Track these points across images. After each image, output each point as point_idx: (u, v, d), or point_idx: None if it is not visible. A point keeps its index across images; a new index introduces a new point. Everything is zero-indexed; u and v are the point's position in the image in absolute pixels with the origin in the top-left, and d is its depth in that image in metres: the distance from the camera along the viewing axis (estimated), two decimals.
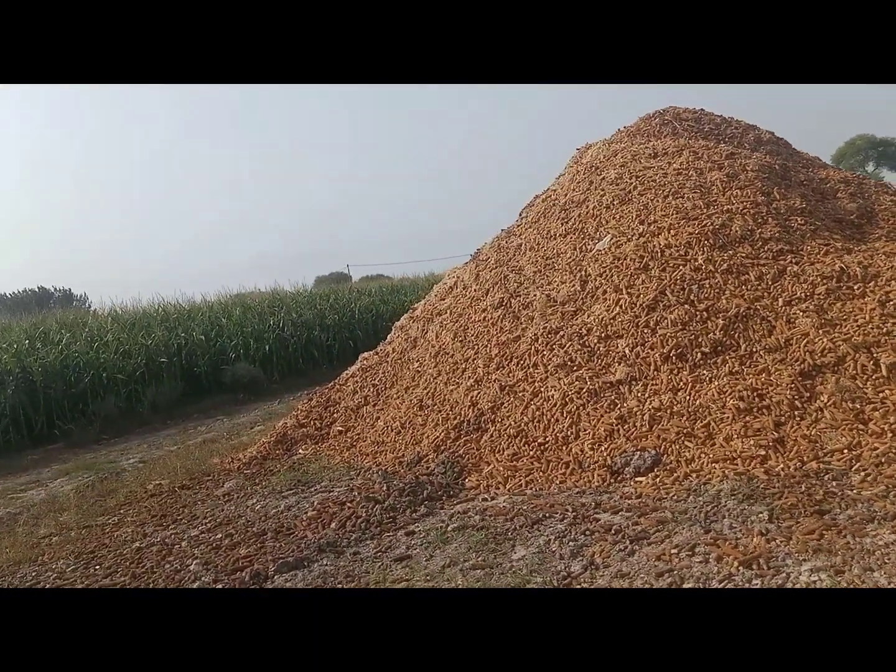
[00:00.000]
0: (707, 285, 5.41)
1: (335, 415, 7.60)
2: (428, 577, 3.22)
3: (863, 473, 3.65)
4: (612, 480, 4.39)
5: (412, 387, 6.92)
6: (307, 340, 16.97)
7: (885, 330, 4.67)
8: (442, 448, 5.48)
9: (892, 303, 4.90)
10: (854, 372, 4.47)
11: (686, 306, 5.30)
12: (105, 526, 5.43)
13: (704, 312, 5.21)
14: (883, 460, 3.75)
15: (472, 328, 6.83)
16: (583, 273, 6.14)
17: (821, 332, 4.79)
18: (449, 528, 3.92)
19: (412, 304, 21.09)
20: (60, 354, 11.43)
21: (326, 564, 3.69)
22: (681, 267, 5.62)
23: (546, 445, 4.93)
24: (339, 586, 3.36)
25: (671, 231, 5.96)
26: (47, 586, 4.06)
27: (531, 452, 4.95)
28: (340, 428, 7.29)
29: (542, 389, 5.35)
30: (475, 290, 7.43)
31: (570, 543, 3.37)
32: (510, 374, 5.73)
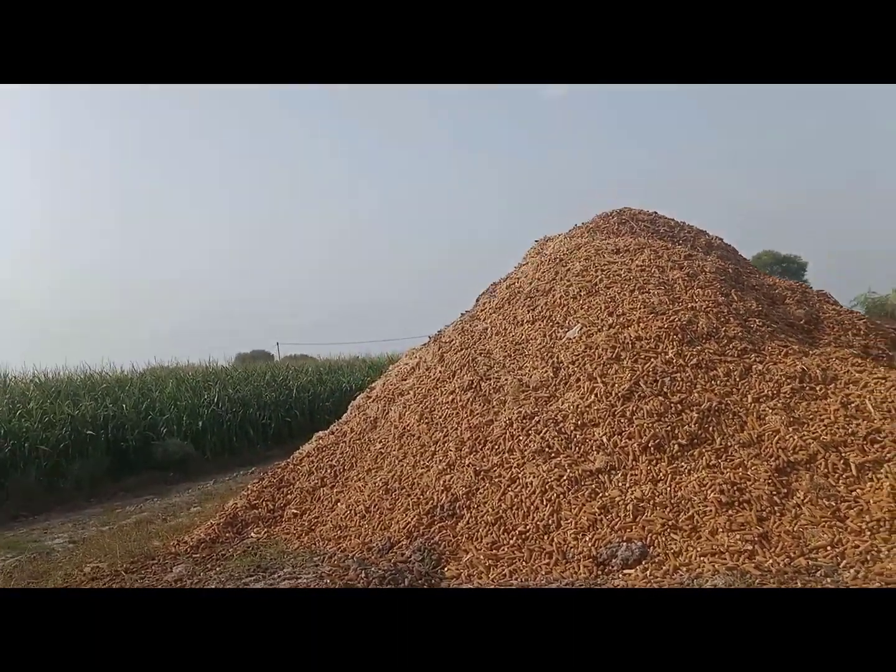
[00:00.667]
0: (679, 378, 5.58)
1: (289, 496, 7.28)
2: None
3: (852, 570, 3.72)
4: (599, 572, 4.32)
5: (375, 469, 6.73)
6: (242, 418, 16.41)
7: (850, 430, 4.89)
8: (414, 534, 5.30)
9: (853, 405, 5.16)
10: (826, 470, 4.63)
11: (660, 398, 5.42)
12: None
13: (678, 405, 5.34)
14: (868, 558, 3.84)
15: (438, 410, 6.76)
16: (555, 360, 6.23)
17: (790, 429, 4.97)
18: None
19: (349, 385, 20.97)
20: None
21: None
22: (652, 359, 5.79)
23: (527, 534, 4.84)
24: None
25: (640, 324, 6.16)
26: None
27: (511, 541, 4.84)
28: (295, 511, 6.96)
29: (519, 475, 5.29)
30: (440, 372, 7.41)
31: None
32: (485, 459, 5.66)
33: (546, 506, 4.95)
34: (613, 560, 4.34)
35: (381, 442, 7.11)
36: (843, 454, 4.71)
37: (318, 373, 21.33)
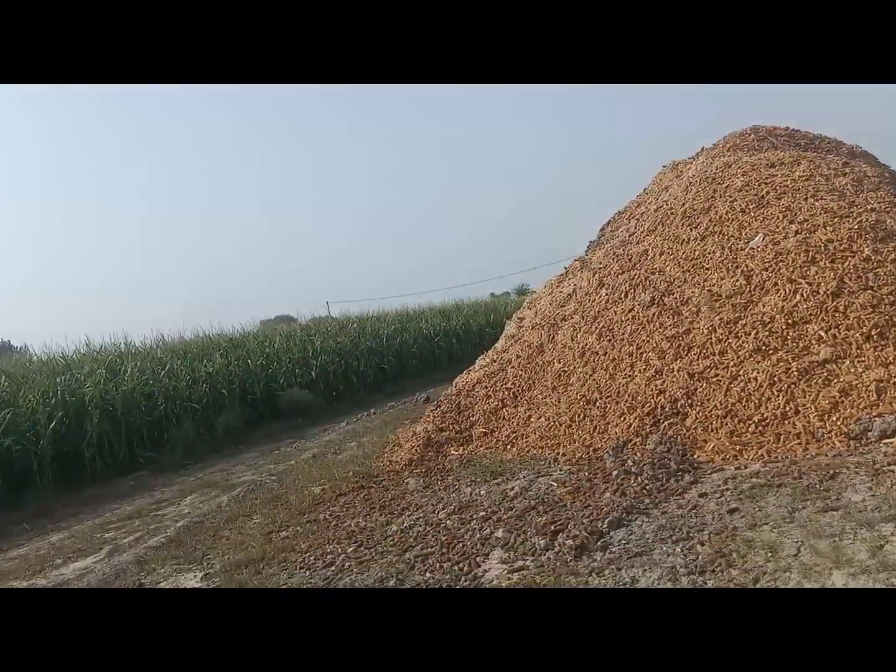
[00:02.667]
0: (882, 273, 5.78)
1: (471, 418, 7.71)
2: (802, 526, 3.37)
3: None
4: (856, 446, 4.64)
5: (561, 385, 7.10)
6: (346, 367, 17.01)
7: None
8: (641, 433, 5.67)
9: None
10: None
11: (869, 292, 5.65)
12: (322, 521, 5.44)
13: (889, 296, 5.56)
14: None
15: (619, 328, 7.07)
16: (744, 268, 6.47)
17: None
18: (743, 487, 4.11)
19: (428, 330, 21.37)
20: (136, 383, 11.27)
21: (647, 521, 3.85)
22: (849, 258, 6.00)
23: (765, 422, 5.17)
24: (672, 538, 3.53)
25: (827, 228, 6.36)
26: (349, 574, 4.12)
27: (751, 429, 5.18)
28: (483, 430, 7.40)
29: (740, 373, 5.60)
30: (606, 295, 7.71)
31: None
32: (694, 363, 5.97)
33: (779, 395, 5.26)
34: (868, 433, 4.65)
35: (559, 362, 7.47)
36: None
37: (400, 320, 21.83)
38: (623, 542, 3.63)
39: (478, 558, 3.81)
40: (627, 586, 3.05)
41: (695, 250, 7.20)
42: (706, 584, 2.92)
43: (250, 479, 8.55)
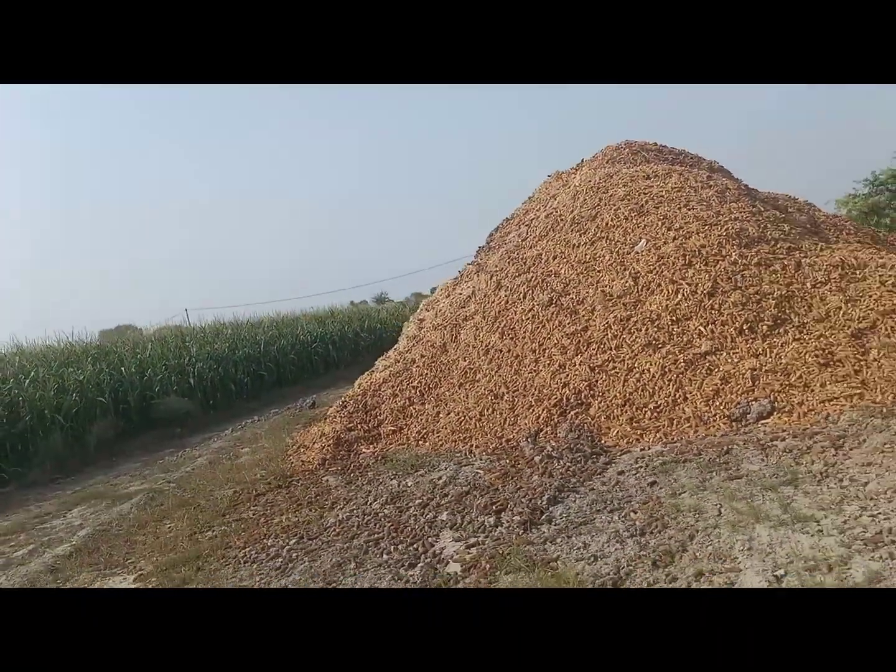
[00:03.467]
0: (748, 275, 6.63)
1: (379, 417, 7.92)
2: (715, 492, 3.91)
3: None
4: (737, 427, 5.33)
5: (468, 382, 7.48)
6: (224, 374, 16.54)
7: (894, 301, 6.10)
8: (550, 423, 6.14)
9: (889, 282, 6.39)
10: (887, 332, 5.81)
11: (738, 292, 6.46)
12: (250, 519, 5.45)
13: (755, 295, 6.40)
14: None
15: (520, 326, 7.56)
16: (631, 270, 7.15)
17: (848, 305, 6.14)
18: (654, 464, 4.64)
19: (306, 337, 21.14)
20: None
21: (579, 497, 4.26)
22: (720, 262, 6.81)
23: (659, 409, 5.79)
24: (606, 509, 3.97)
25: (700, 234, 7.17)
26: (296, 567, 4.20)
27: (647, 415, 5.78)
28: (392, 427, 7.63)
29: (635, 365, 6.22)
30: (505, 296, 8.19)
31: (788, 454, 4.24)
32: (593, 357, 6.54)
33: (669, 384, 5.91)
34: (748, 415, 5.37)
35: (464, 360, 7.85)
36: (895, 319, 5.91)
37: (277, 326, 21.46)
38: (564, 515, 4.02)
39: (429, 539, 4.06)
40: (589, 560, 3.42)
41: (586, 254, 7.82)
42: (647, 543, 3.35)
43: (141, 488, 8.24)
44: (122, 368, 13.46)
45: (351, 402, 8.45)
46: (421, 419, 7.54)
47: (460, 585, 3.30)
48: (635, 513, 3.81)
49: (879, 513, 3.14)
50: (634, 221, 7.81)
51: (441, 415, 7.34)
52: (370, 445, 7.46)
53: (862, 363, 5.53)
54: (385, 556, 3.92)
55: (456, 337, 8.39)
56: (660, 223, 7.55)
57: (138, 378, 13.73)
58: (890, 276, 6.47)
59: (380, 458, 6.83)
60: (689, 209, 7.66)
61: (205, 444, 11.67)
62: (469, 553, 3.69)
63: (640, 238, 7.48)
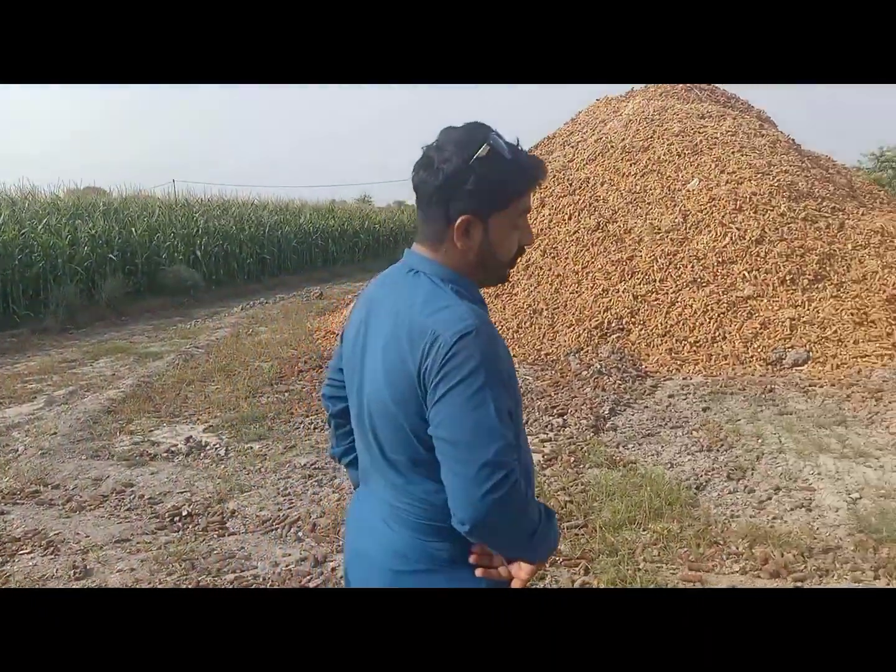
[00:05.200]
0: (794, 228, 6.88)
1: None
2: (770, 422, 4.28)
3: None
4: (773, 370, 5.71)
5: (504, 294, 7.72)
6: (228, 252, 16.51)
7: None
8: (590, 344, 6.46)
9: None
10: None
11: (784, 243, 6.72)
12: (301, 392, 5.72)
13: (800, 249, 6.67)
14: None
15: (563, 247, 7.76)
16: (681, 207, 7.34)
17: (885, 271, 6.46)
18: (700, 392, 5.00)
19: (307, 227, 20.96)
20: (13, 234, 10.32)
21: (636, 412, 4.62)
22: (769, 212, 7.04)
23: (699, 344, 6.14)
24: (668, 425, 4.32)
25: (752, 182, 7.35)
26: None
27: (686, 348, 6.13)
28: None
29: (678, 300, 6.52)
30: (549, 215, 8.33)
31: (830, 399, 4.63)
32: (637, 287, 6.81)
33: (710, 322, 6.24)
34: (783, 361, 5.74)
35: None
36: None
37: (281, 212, 21.24)
38: (627, 426, 4.38)
39: None
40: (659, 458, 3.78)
41: (636, 184, 7.96)
42: (717, 458, 3.73)
43: (163, 349, 8.46)
44: (133, 229, 13.32)
45: None
46: None
47: (547, 472, 3.65)
48: (697, 431, 4.18)
49: None
50: (687, 159, 7.93)
51: None
52: None
53: (894, 327, 5.90)
54: None
55: None
56: (713, 164, 7.69)
57: (148, 241, 13.65)
58: None
59: None
60: (743, 155, 7.79)
61: (216, 318, 11.83)
62: (544, 447, 4.02)
63: (693, 177, 7.63)
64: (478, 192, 1.10)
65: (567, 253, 7.67)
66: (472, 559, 1.12)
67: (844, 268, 6.57)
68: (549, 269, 7.62)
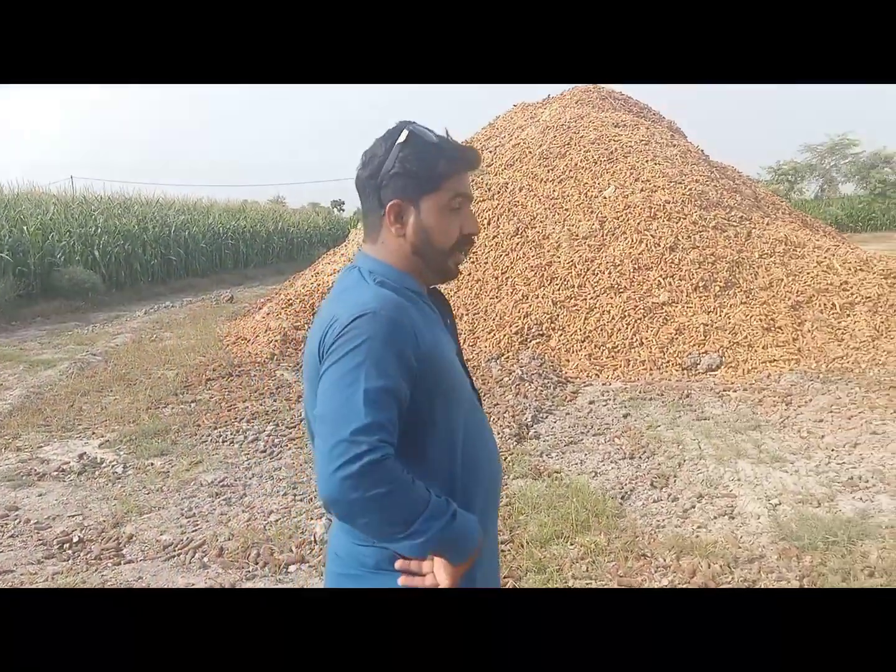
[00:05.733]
0: (706, 236, 7.06)
1: None
2: (689, 428, 4.29)
3: (876, 368, 5.53)
4: (688, 375, 5.81)
5: None
6: (130, 252, 15.64)
7: (827, 281, 6.73)
8: (511, 349, 6.40)
9: (823, 263, 7.02)
10: (821, 308, 6.44)
11: (696, 251, 6.88)
12: (209, 402, 5.38)
13: (711, 256, 6.85)
14: (869, 365, 5.70)
15: (483, 252, 7.68)
16: (598, 214, 7.40)
17: (789, 279, 6.71)
18: (621, 398, 5.00)
19: (218, 228, 20.24)
20: None
21: (558, 419, 4.55)
22: (682, 220, 7.20)
23: (616, 349, 6.17)
24: (590, 432, 4.28)
25: (665, 190, 7.51)
26: None
27: (605, 354, 6.15)
28: None
29: (596, 305, 6.55)
30: None
31: (743, 404, 4.71)
32: (556, 292, 6.81)
33: (627, 328, 6.29)
34: (698, 366, 5.84)
35: None
36: (828, 297, 6.54)
37: (188, 211, 20.38)
38: (549, 433, 4.30)
39: None
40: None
41: (554, 191, 7.99)
42: (640, 466, 3.69)
43: (58, 357, 7.86)
44: (25, 227, 12.40)
45: (297, 301, 8.34)
46: None
47: None
48: (619, 438, 4.15)
49: (844, 462, 3.63)
50: (603, 166, 8.02)
51: None
52: None
53: (798, 332, 6.12)
54: None
55: None
56: (628, 172, 7.82)
57: (41, 241, 12.74)
58: (824, 258, 7.11)
59: None
60: (657, 164, 7.96)
61: (117, 323, 11.16)
62: None
63: (609, 184, 7.72)
64: (404, 173, 1.10)
65: (487, 258, 7.60)
66: (396, 565, 1.08)
67: (752, 275, 6.77)
68: (469, 275, 7.53)
